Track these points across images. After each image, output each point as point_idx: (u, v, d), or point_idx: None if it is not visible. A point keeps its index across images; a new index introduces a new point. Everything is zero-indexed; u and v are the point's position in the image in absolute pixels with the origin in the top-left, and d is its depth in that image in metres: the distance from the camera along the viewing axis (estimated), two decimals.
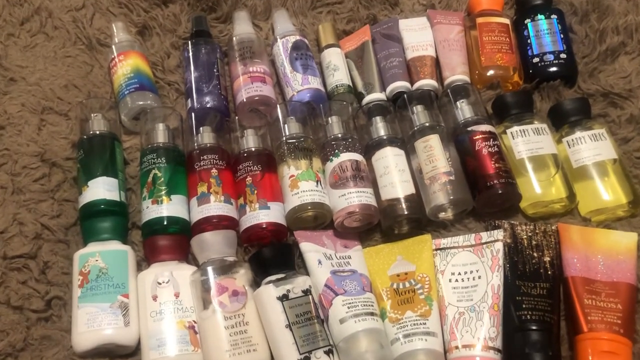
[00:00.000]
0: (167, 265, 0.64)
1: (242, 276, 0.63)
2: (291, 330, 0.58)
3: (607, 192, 0.67)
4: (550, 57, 0.77)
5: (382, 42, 0.80)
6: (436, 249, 0.66)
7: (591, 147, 0.69)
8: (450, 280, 0.63)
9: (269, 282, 0.61)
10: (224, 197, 0.67)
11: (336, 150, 0.68)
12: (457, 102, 0.72)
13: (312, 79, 0.76)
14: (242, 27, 0.81)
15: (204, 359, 0.59)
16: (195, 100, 0.75)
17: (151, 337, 0.60)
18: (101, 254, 0.63)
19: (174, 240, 0.65)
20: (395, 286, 0.63)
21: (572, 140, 0.70)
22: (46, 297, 0.63)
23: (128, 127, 0.75)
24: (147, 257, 0.66)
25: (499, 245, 0.63)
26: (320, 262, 0.64)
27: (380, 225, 0.68)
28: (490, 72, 0.77)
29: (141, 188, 0.68)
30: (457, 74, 0.77)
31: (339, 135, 0.70)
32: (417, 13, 0.85)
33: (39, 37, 0.82)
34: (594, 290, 0.60)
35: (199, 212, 0.66)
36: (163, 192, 0.66)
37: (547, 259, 0.63)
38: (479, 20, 0.80)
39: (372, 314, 0.60)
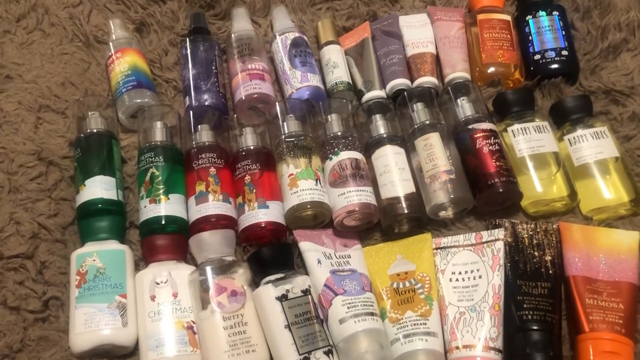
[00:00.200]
0: (165, 265, 0.63)
1: (240, 276, 0.62)
2: (290, 330, 0.58)
3: (609, 191, 0.67)
4: (552, 54, 0.76)
5: (382, 39, 0.80)
6: (436, 248, 0.65)
7: (593, 145, 0.68)
8: (450, 280, 0.63)
9: (268, 282, 0.61)
10: (222, 196, 0.66)
11: (336, 149, 0.68)
12: (458, 100, 0.71)
13: (312, 76, 0.75)
14: (241, 23, 0.80)
15: None
16: (193, 98, 0.74)
17: (149, 338, 0.59)
18: (99, 253, 0.62)
19: (172, 240, 0.65)
20: (395, 286, 0.63)
21: (574, 138, 0.70)
22: (43, 298, 0.63)
23: (125, 125, 0.75)
24: (145, 257, 0.65)
25: (500, 245, 0.63)
26: (319, 262, 0.63)
27: (380, 224, 0.67)
28: (491, 69, 0.76)
29: (139, 187, 0.67)
30: (457, 71, 0.76)
31: (339, 134, 0.69)
32: (418, 9, 0.84)
33: (36, 34, 0.81)
34: (596, 289, 0.60)
35: (197, 211, 0.65)
36: (161, 191, 0.66)
37: (548, 258, 0.63)
38: (480, 16, 0.79)
39: (372, 314, 0.60)
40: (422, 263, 0.64)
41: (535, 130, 0.70)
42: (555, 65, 0.76)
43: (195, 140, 0.70)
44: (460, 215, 0.68)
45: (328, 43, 0.79)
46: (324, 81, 0.77)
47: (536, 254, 0.63)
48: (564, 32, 0.77)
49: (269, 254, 0.63)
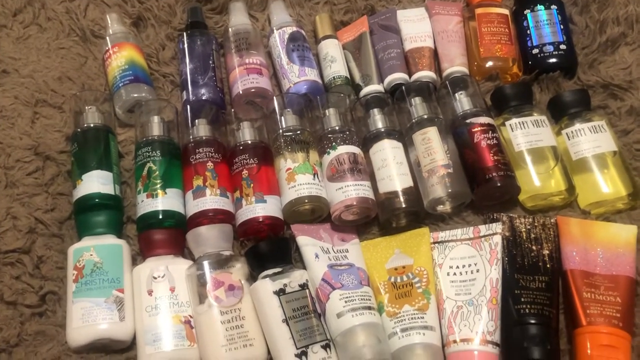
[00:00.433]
0: (162, 260, 0.63)
1: (238, 270, 0.62)
2: (288, 324, 0.57)
3: (607, 185, 0.67)
4: (550, 48, 0.76)
5: (380, 33, 0.79)
6: (434, 243, 0.65)
7: (591, 139, 0.68)
8: (448, 274, 0.63)
9: (266, 276, 0.60)
10: (219, 191, 0.66)
11: (333, 143, 0.68)
12: (456, 94, 0.71)
13: (309, 70, 0.75)
14: (238, 18, 0.80)
15: (200, 354, 0.59)
16: (190, 92, 0.74)
17: (147, 332, 0.59)
18: (96, 248, 0.62)
19: (169, 234, 0.65)
20: (392, 280, 0.63)
21: (572, 132, 0.69)
22: (40, 292, 0.63)
23: (123, 120, 0.74)
24: (143, 252, 0.65)
25: (498, 239, 0.63)
26: (317, 256, 0.63)
27: (378, 219, 0.67)
28: (489, 64, 0.76)
29: (136, 181, 0.67)
30: (455, 65, 0.76)
31: (337, 128, 0.69)
32: (415, 4, 0.84)
33: (32, 29, 0.81)
34: (593, 283, 0.60)
35: (195, 206, 0.65)
36: (158, 186, 0.66)
37: (546, 252, 0.63)
38: (478, 10, 0.79)
39: (369, 308, 0.60)
40: (419, 257, 0.64)
41: (533, 125, 0.69)
42: (553, 60, 0.76)
43: (193, 134, 0.70)
44: (458, 209, 0.68)
45: (326, 37, 0.79)
46: (321, 75, 0.77)
47: (534, 248, 0.63)
48: (562, 26, 0.77)
49: (267, 248, 0.63)
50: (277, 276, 0.60)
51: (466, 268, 0.62)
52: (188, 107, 0.72)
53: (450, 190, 0.65)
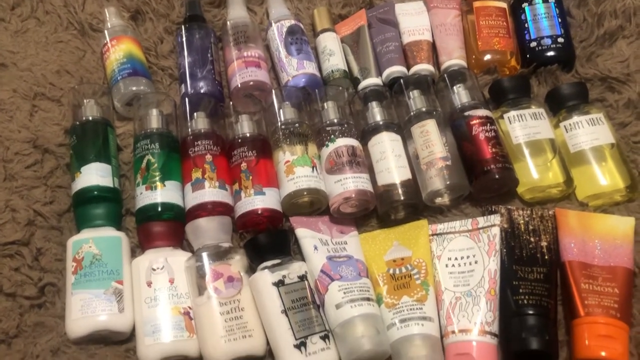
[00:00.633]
0: (161, 252, 0.63)
1: (237, 262, 0.62)
2: (287, 315, 0.58)
3: (605, 177, 0.67)
4: (548, 41, 0.76)
5: (378, 27, 0.79)
6: (432, 235, 0.65)
7: (589, 131, 0.68)
8: (446, 266, 0.63)
9: (265, 268, 0.61)
10: (218, 183, 0.66)
11: (332, 136, 0.68)
12: (454, 87, 0.71)
13: (308, 63, 0.75)
14: (237, 11, 0.80)
15: (199, 345, 0.59)
16: (189, 85, 0.74)
17: (146, 324, 0.59)
18: (95, 240, 0.62)
19: (168, 227, 0.65)
20: (391, 271, 0.63)
21: (570, 124, 0.70)
22: (39, 284, 0.63)
23: (121, 113, 0.75)
24: (142, 244, 0.65)
25: (496, 230, 0.63)
26: (316, 248, 0.63)
27: (377, 211, 0.67)
28: (487, 57, 0.76)
29: (135, 174, 0.67)
30: (453, 58, 0.76)
31: (335, 121, 0.69)
32: None
33: (30, 22, 0.81)
34: (591, 274, 0.60)
35: (194, 198, 0.65)
36: (157, 178, 0.66)
37: (544, 243, 0.63)
38: (476, 4, 0.79)
39: (368, 299, 0.60)
40: (418, 249, 0.64)
41: (531, 117, 0.70)
42: (551, 53, 0.76)
43: (191, 127, 0.70)
44: (457, 201, 0.68)
45: (324, 31, 0.79)
46: (320, 69, 0.77)
47: (532, 239, 0.63)
48: (560, 20, 0.77)
49: (266, 240, 0.63)
50: (276, 268, 0.60)
51: (464, 260, 0.62)
52: (186, 100, 0.72)
53: (448, 183, 0.65)
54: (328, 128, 0.69)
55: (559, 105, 0.72)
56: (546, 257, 0.62)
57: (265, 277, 0.60)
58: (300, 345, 0.57)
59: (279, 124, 0.69)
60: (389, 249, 0.65)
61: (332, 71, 0.76)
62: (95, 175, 0.65)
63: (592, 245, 0.62)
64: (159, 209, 0.65)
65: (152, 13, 0.81)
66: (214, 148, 0.68)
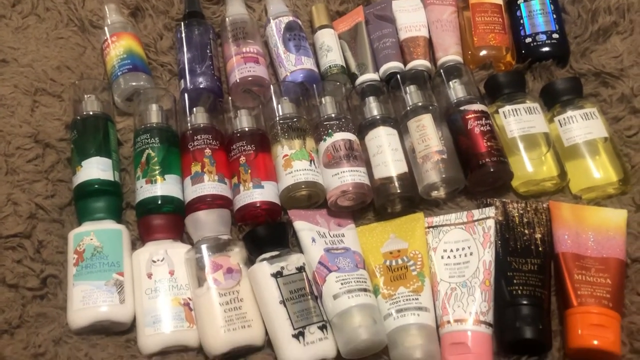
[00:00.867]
0: (161, 244, 0.64)
1: (236, 254, 0.63)
2: (285, 306, 0.58)
3: (598, 170, 0.68)
4: (543, 37, 0.77)
5: (375, 23, 0.80)
6: (428, 227, 0.66)
7: (582, 126, 0.69)
8: (442, 257, 0.64)
9: (263, 259, 0.61)
10: (217, 177, 0.67)
11: (329, 130, 0.69)
12: (450, 82, 0.72)
13: (306, 59, 0.76)
14: (235, 7, 0.81)
15: (199, 335, 0.60)
16: (188, 81, 0.75)
17: (146, 315, 0.60)
18: (96, 232, 0.63)
19: (168, 220, 0.65)
20: (388, 263, 0.64)
21: (564, 119, 0.71)
22: (41, 276, 0.63)
23: (121, 108, 0.75)
24: (142, 237, 0.66)
25: (491, 222, 0.64)
26: (314, 240, 0.64)
27: (374, 205, 0.68)
28: (483, 52, 0.77)
29: (135, 168, 0.68)
30: (450, 54, 0.77)
31: (332, 115, 0.70)
32: None
33: (31, 19, 0.81)
34: (584, 265, 0.61)
35: (193, 192, 0.66)
36: (157, 172, 0.66)
37: (538, 235, 0.64)
38: (472, 0, 0.80)
39: (365, 290, 0.61)
40: (414, 241, 0.65)
41: (526, 112, 0.70)
42: (546, 48, 0.77)
43: (191, 122, 0.71)
44: (452, 195, 0.69)
45: (322, 27, 0.80)
46: (317, 64, 0.78)
47: (526, 232, 0.64)
48: (554, 16, 0.78)
49: (264, 232, 0.64)
50: (274, 259, 0.61)
51: (460, 251, 0.63)
52: (186, 95, 0.73)
53: (444, 176, 0.66)
54: (326, 123, 0.70)
55: (554, 100, 0.73)
56: (540, 248, 0.63)
57: (264, 268, 0.60)
58: (299, 335, 0.58)
59: (278, 118, 0.70)
60: (385, 241, 0.66)
61: (330, 67, 0.77)
62: (96, 169, 0.66)
63: (585, 237, 0.63)
64: (159, 202, 0.66)
65: (151, 10, 0.82)
66: (213, 142, 0.69)
